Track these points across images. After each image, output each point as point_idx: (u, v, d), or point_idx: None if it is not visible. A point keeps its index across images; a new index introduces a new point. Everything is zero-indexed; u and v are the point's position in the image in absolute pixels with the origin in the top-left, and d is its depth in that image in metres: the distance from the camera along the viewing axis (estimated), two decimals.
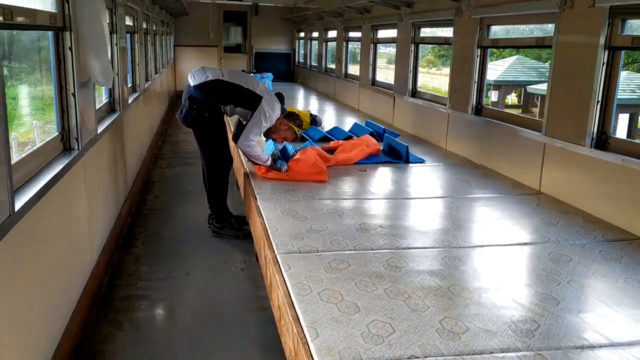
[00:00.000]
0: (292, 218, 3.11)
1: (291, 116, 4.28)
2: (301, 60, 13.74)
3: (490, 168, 4.45)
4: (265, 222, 3.05)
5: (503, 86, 14.74)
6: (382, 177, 4.18)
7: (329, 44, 10.96)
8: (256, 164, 4.06)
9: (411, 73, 6.25)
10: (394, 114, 6.75)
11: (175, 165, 6.62)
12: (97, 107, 3.59)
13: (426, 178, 4.22)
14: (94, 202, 3.27)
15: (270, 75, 10.08)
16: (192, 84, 3.94)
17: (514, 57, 14.78)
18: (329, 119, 6.94)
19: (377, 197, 3.63)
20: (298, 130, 4.60)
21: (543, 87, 12.82)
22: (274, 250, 2.67)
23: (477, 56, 4.72)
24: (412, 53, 6.19)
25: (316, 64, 11.55)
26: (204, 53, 13.67)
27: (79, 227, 2.95)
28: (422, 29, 6.13)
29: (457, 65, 5.07)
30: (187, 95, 3.95)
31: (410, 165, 4.56)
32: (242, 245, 4.07)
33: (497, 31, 4.68)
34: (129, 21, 5.60)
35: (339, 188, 3.79)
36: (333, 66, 10.46)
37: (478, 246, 2.80)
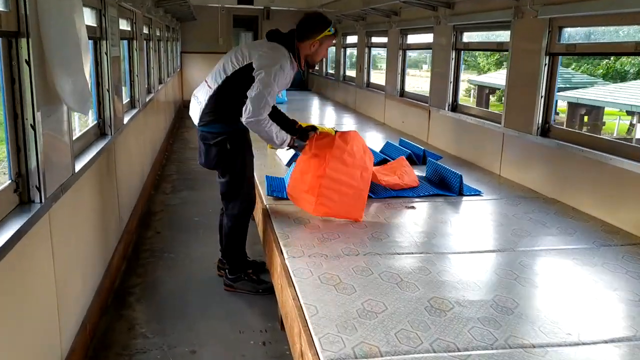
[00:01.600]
0: (335, 289, 2.29)
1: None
2: (316, 67, 12.92)
3: (566, 203, 3.61)
4: (300, 297, 2.23)
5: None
6: (437, 217, 3.35)
7: (348, 50, 10.17)
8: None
9: (451, 84, 5.43)
10: (429, 130, 5.92)
11: (181, 189, 5.82)
12: (76, 136, 2.81)
13: (492, 218, 3.37)
14: (66, 267, 2.44)
15: None
16: (195, 121, 3.21)
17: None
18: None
19: (440, 249, 2.80)
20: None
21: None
22: (317, 352, 1.85)
23: (545, 65, 3.89)
24: (453, 61, 5.37)
25: (333, 72, 10.76)
26: (213, 60, 12.75)
27: (41, 308, 2.14)
28: (466, 34, 5.31)
29: (516, 75, 4.24)
30: (198, 135, 3.23)
31: (465, 198, 3.74)
32: (261, 303, 3.26)
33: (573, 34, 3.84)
34: (125, 25, 4.83)
35: (386, 234, 2.97)
36: (352, 74, 9.67)
37: None
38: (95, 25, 3.36)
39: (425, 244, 2.88)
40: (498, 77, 14.55)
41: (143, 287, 3.49)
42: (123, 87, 4.41)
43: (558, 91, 4.03)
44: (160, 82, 7.92)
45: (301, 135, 3.31)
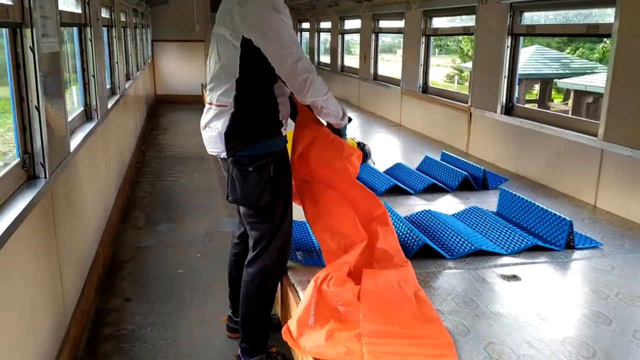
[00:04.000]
0: None
1: None
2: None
3: None
4: None
5: None
6: (553, 292, 2.16)
7: (346, 36, 8.90)
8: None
9: (506, 79, 4.24)
10: (469, 137, 4.74)
11: (157, 220, 4.53)
12: None
13: None
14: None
15: None
16: (221, 153, 2.28)
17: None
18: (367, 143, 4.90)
19: None
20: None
21: None
22: None
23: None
24: (509, 49, 4.18)
25: (328, 62, 9.49)
26: (188, 49, 11.54)
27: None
28: (527, 13, 4.12)
29: (627, 72, 3.07)
30: (225, 164, 2.32)
31: (579, 254, 2.56)
32: None
33: None
34: (74, 7, 3.51)
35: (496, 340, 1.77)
36: (352, 64, 8.43)
37: None
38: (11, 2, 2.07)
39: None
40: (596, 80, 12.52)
41: None
42: (72, 95, 3.12)
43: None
44: (127, 79, 6.56)
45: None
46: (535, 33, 4.14)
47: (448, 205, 3.31)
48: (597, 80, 12.34)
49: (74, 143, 2.88)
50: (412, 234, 2.59)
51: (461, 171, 3.58)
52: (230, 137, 2.20)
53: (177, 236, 4.15)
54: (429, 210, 2.99)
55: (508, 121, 4.18)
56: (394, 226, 2.44)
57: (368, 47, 7.31)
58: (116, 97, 5.05)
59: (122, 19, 6.21)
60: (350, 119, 2.40)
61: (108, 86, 5.03)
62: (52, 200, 2.38)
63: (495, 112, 4.31)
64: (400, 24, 6.30)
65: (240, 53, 2.11)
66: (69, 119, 3.10)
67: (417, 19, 5.69)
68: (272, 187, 2.24)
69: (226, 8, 2.22)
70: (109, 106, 4.33)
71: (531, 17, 4.24)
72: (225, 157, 2.26)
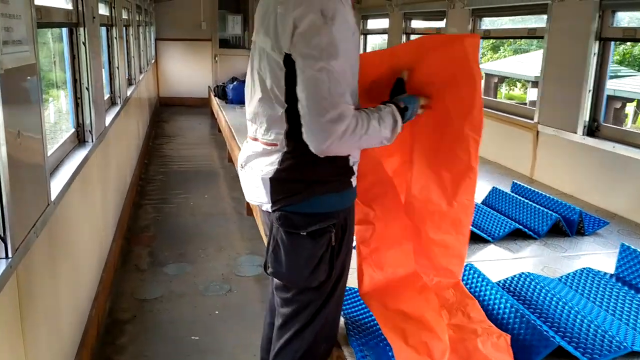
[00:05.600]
0: None
1: None
2: None
3: None
4: None
5: None
6: None
7: (368, 36, 8.15)
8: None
9: (590, 93, 3.49)
10: (534, 161, 3.98)
11: (165, 259, 3.78)
12: None
13: None
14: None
15: None
16: (264, 204, 1.61)
17: None
18: None
19: None
20: None
21: None
22: None
23: None
24: (595, 57, 3.43)
25: None
26: (194, 49, 10.80)
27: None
28: (621, 13, 3.38)
29: None
30: (268, 221, 1.65)
31: None
32: None
33: None
34: (64, 2, 2.77)
35: None
36: None
37: None
38: None
39: None
40: None
41: None
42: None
43: None
44: (130, 84, 5.82)
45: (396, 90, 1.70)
46: (637, 38, 3.36)
47: (543, 261, 2.56)
48: None
49: (58, 185, 2.13)
50: (535, 330, 1.83)
51: (552, 213, 2.83)
52: (279, 184, 1.54)
53: (188, 283, 3.41)
54: (530, 274, 2.25)
55: (593, 144, 3.43)
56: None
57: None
58: (117, 109, 4.30)
59: (124, 16, 5.47)
60: (406, 108, 1.60)
61: (107, 95, 4.29)
62: (18, 286, 1.64)
63: (575, 132, 3.56)
64: (439, 24, 5.57)
65: (285, 74, 1.45)
66: (51, 150, 2.36)
67: (463, 19, 4.95)
68: (330, 261, 1.56)
69: (266, 8, 1.52)
70: (108, 122, 3.58)
71: (627, 18, 3.57)
72: (269, 210, 1.57)
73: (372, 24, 7.67)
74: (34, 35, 1.84)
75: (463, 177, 1.72)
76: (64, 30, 2.89)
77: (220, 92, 8.20)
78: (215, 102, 7.97)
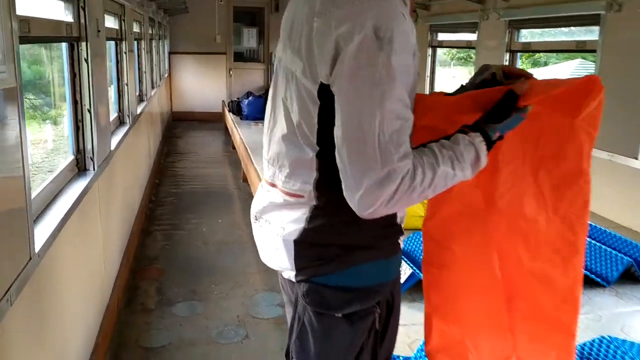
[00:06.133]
0: None
1: None
2: None
3: None
4: None
5: None
6: None
7: None
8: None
9: None
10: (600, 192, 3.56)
11: (172, 299, 3.40)
12: None
13: None
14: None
15: None
16: (285, 271, 1.25)
17: None
18: None
19: None
20: None
21: None
22: None
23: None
24: None
25: None
26: (208, 62, 10.54)
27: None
28: None
29: None
30: (288, 290, 1.32)
31: None
32: None
33: None
34: (68, 16, 2.45)
35: None
36: None
37: None
38: None
39: None
40: None
41: None
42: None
43: None
44: (141, 100, 5.52)
45: (494, 114, 1.17)
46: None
47: (619, 317, 2.16)
48: None
49: (45, 232, 1.78)
50: None
51: (622, 255, 2.43)
52: (307, 248, 1.18)
53: (199, 327, 3.03)
54: (612, 339, 1.85)
55: None
56: None
57: (422, 63, 6.24)
58: (125, 128, 3.98)
59: (136, 29, 5.17)
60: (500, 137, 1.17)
61: (115, 114, 3.97)
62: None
63: (637, 158, 3.16)
64: (470, 36, 5.22)
65: (319, 108, 1.11)
66: (39, 188, 2.02)
67: (499, 30, 4.57)
68: (373, 350, 1.23)
69: (296, 15, 1.16)
70: (114, 146, 3.24)
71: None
72: (293, 279, 1.21)
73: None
74: (14, 53, 1.50)
75: (569, 183, 1.24)
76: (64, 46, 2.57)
77: (235, 107, 7.99)
78: (230, 117, 7.73)
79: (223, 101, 9.76)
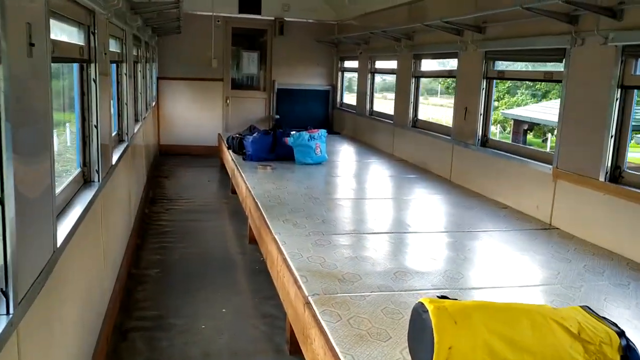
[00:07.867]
0: None
1: None
2: (345, 101, 11.51)
3: None
4: None
5: None
6: None
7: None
8: None
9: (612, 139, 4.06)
10: (552, 207, 4.49)
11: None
12: None
13: None
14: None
15: (324, 132, 7.40)
16: None
17: None
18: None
19: None
20: None
21: None
22: None
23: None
24: (618, 102, 4.03)
25: (381, 110, 9.53)
26: (203, 89, 11.16)
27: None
28: None
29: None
30: None
31: None
32: None
33: None
34: (78, 39, 3.07)
35: None
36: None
37: None
38: None
39: None
40: None
41: None
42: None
43: None
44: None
45: None
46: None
47: None
48: None
49: (64, 229, 2.33)
50: None
51: None
52: None
53: None
54: None
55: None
56: None
57: (406, 90, 7.87)
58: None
59: (123, 51, 5.08)
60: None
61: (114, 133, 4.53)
62: (19, 349, 1.77)
63: (598, 178, 4.05)
64: (451, 64, 6.85)
65: None
66: (58, 190, 2.57)
67: (476, 61, 5.87)
68: None
69: None
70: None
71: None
72: None
73: (380, 64, 9.43)
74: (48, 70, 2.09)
75: None
76: (75, 66, 3.20)
77: (237, 145, 7.80)
78: (230, 157, 7.67)
79: (219, 134, 10.25)
